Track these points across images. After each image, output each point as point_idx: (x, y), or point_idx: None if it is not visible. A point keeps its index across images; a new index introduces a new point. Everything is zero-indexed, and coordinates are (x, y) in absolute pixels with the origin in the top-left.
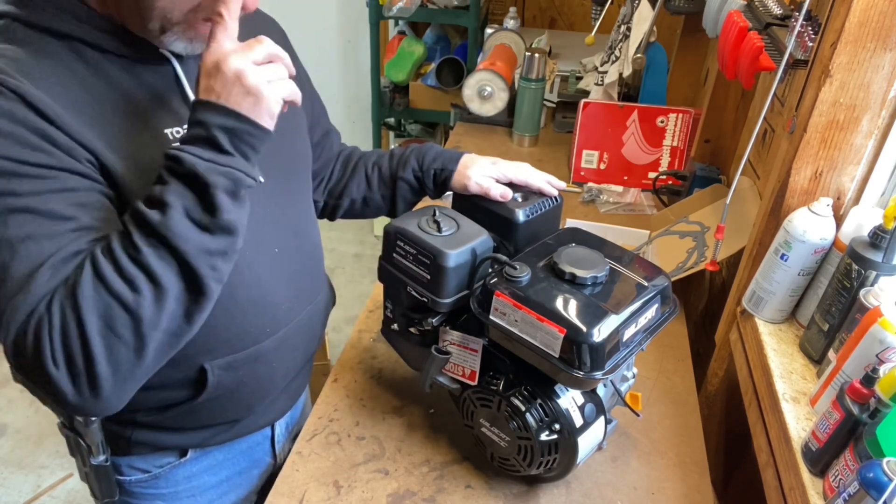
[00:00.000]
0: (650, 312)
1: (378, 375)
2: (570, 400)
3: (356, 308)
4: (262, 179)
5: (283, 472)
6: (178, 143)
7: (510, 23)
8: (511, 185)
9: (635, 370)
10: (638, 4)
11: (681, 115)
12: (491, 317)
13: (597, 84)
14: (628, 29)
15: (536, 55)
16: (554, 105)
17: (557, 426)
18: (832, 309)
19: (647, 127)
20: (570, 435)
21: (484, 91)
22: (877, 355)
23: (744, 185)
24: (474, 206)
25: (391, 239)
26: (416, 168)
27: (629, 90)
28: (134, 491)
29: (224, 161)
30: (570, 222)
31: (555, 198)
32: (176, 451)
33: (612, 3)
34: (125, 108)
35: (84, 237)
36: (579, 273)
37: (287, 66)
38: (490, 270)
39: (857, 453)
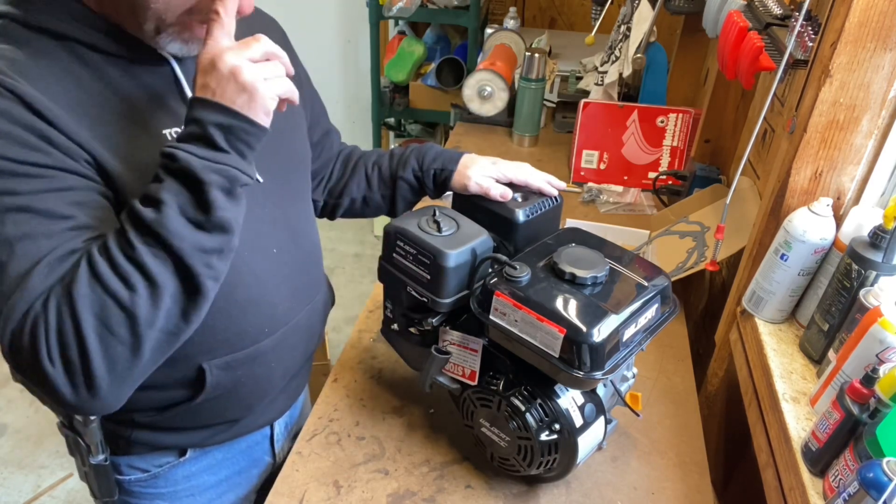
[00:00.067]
0: (650, 312)
1: (378, 375)
2: (570, 400)
3: (356, 308)
4: (260, 179)
5: (283, 471)
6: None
7: (510, 23)
8: (511, 185)
9: (635, 370)
10: (638, 4)
11: (681, 115)
12: (491, 317)
13: (597, 84)
14: (628, 29)
15: (536, 55)
16: (554, 105)
17: (557, 426)
18: (832, 309)
19: (647, 127)
20: (570, 435)
21: (484, 91)
22: (877, 355)
23: (744, 185)
24: (474, 206)
25: (391, 239)
26: (416, 168)
27: (629, 90)
28: (133, 490)
29: (219, 158)
30: (570, 222)
31: (555, 198)
32: (175, 450)
33: (612, 3)
34: (123, 109)
35: (81, 236)
36: (579, 273)
37: (285, 64)
38: (490, 270)
39: (857, 453)
